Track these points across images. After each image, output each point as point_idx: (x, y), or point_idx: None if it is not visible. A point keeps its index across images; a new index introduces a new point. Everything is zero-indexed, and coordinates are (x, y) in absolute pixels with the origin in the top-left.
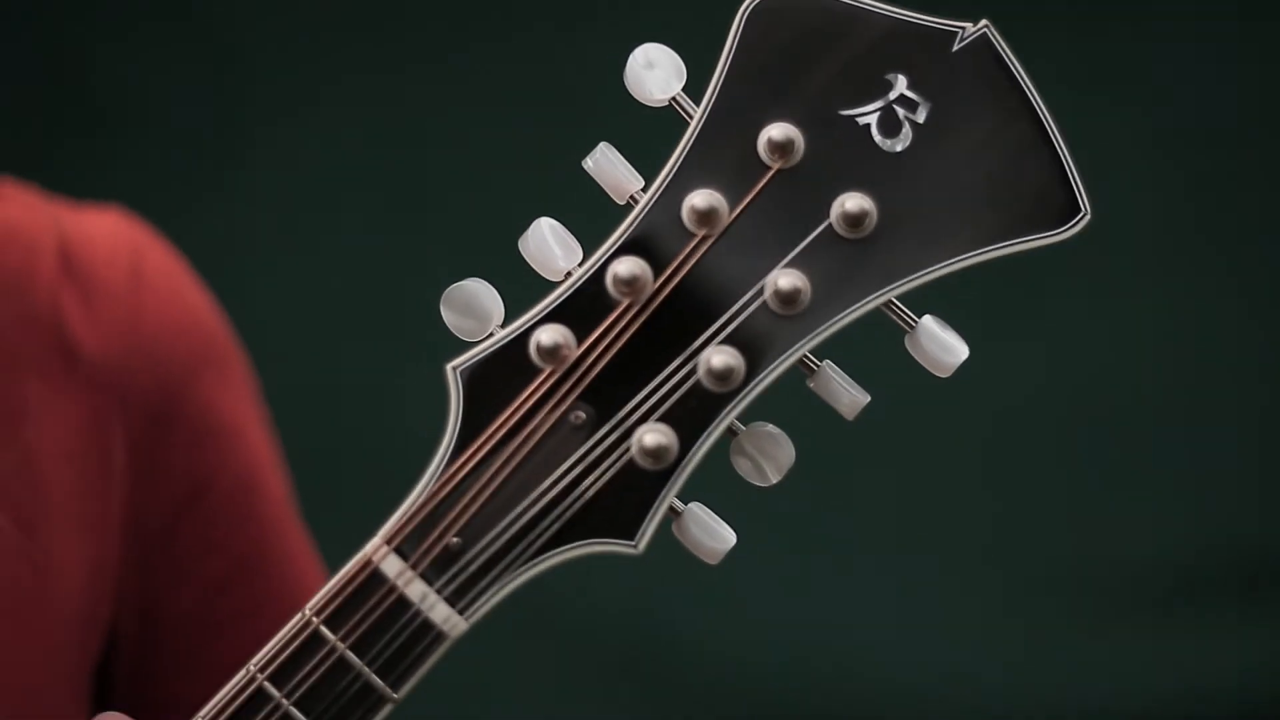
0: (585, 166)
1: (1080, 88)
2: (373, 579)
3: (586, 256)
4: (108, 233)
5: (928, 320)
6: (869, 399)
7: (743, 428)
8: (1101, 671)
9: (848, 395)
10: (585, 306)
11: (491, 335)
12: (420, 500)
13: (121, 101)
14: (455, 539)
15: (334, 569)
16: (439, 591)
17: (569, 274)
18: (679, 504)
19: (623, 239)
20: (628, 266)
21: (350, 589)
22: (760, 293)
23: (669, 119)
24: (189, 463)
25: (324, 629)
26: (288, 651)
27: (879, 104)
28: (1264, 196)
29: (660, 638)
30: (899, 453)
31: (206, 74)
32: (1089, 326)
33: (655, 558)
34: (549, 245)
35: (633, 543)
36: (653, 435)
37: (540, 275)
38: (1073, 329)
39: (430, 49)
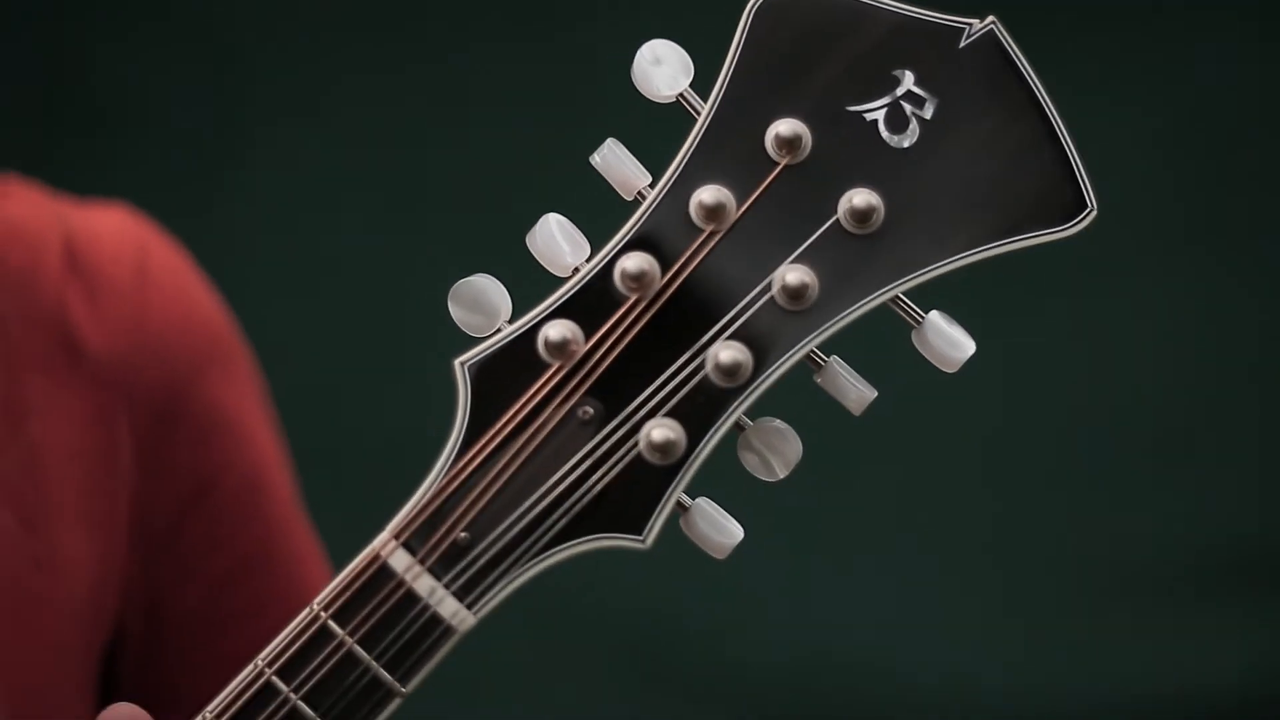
0: (593, 162)
1: (1081, 87)
2: (381, 573)
3: (594, 252)
4: (113, 230)
5: (934, 316)
6: (876, 394)
7: (750, 423)
8: (1102, 668)
9: (855, 391)
10: (593, 302)
11: (499, 330)
12: (428, 495)
13: (122, 101)
14: (463, 534)
15: (341, 565)
16: (447, 586)
17: (576, 270)
18: (687, 499)
19: (630, 234)
20: (635, 262)
21: (358, 583)
22: (768, 288)
23: (670, 117)
24: (194, 460)
25: (332, 623)
26: (296, 646)
27: (886, 100)
28: (1265, 196)
29: (665, 632)
30: (902, 448)
31: (206, 74)
32: (1090, 324)
33: (660, 552)
34: (557, 241)
35: (641, 538)
36: (661, 430)
37: (547, 271)
38: (1074, 326)
39: (430, 48)
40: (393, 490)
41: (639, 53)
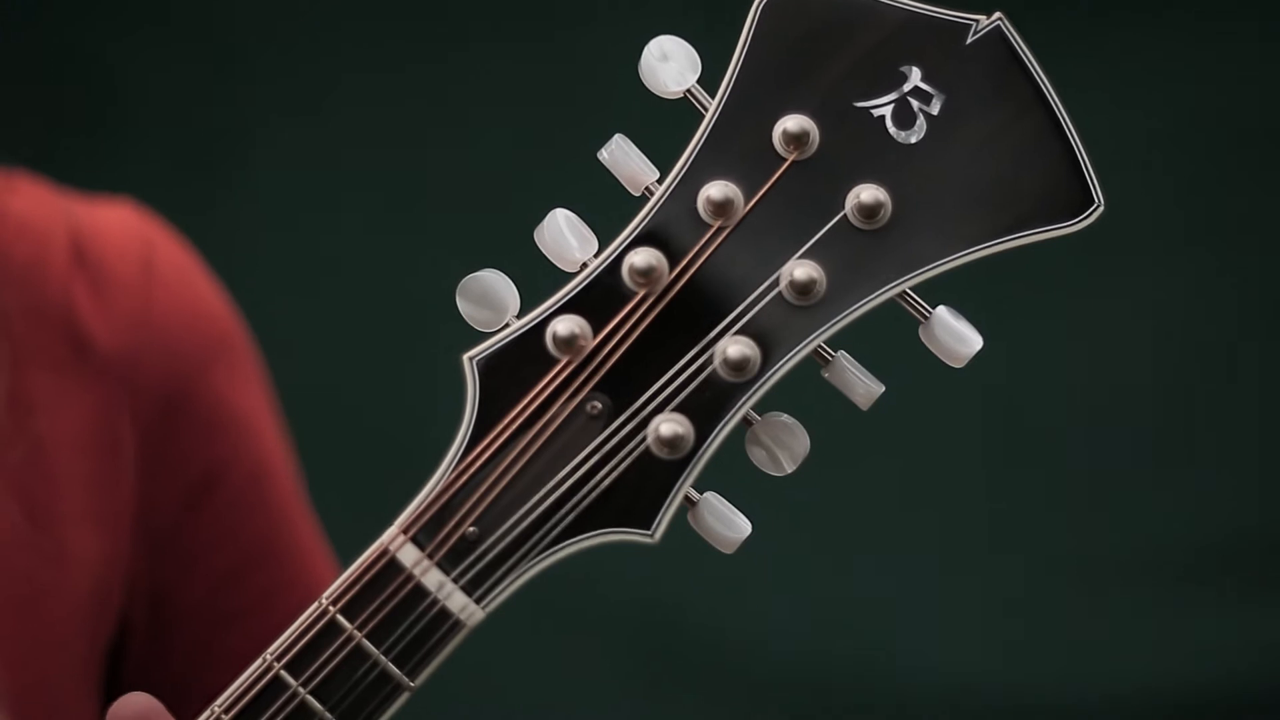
0: (601, 158)
1: (1083, 85)
2: (389, 568)
3: (602, 248)
4: (119, 226)
5: (942, 311)
6: (883, 389)
7: (758, 418)
8: (1103, 663)
9: (862, 385)
10: (601, 297)
11: (507, 325)
12: (437, 490)
13: (123, 101)
14: (472, 528)
15: (346, 560)
16: (456, 580)
17: (584, 265)
18: (694, 493)
19: (639, 230)
20: (644, 257)
21: (367, 578)
22: (776, 283)
23: (670, 117)
24: (200, 454)
25: (340, 617)
26: (304, 640)
27: (893, 96)
28: (1266, 194)
29: (667, 624)
30: (904, 444)
31: (208, 73)
32: (1090, 320)
33: (662, 544)
34: (565, 236)
35: (649, 532)
36: (669, 425)
37: (548, 268)
38: (1074, 322)
39: (431, 48)
40: (398, 486)
41: (646, 49)
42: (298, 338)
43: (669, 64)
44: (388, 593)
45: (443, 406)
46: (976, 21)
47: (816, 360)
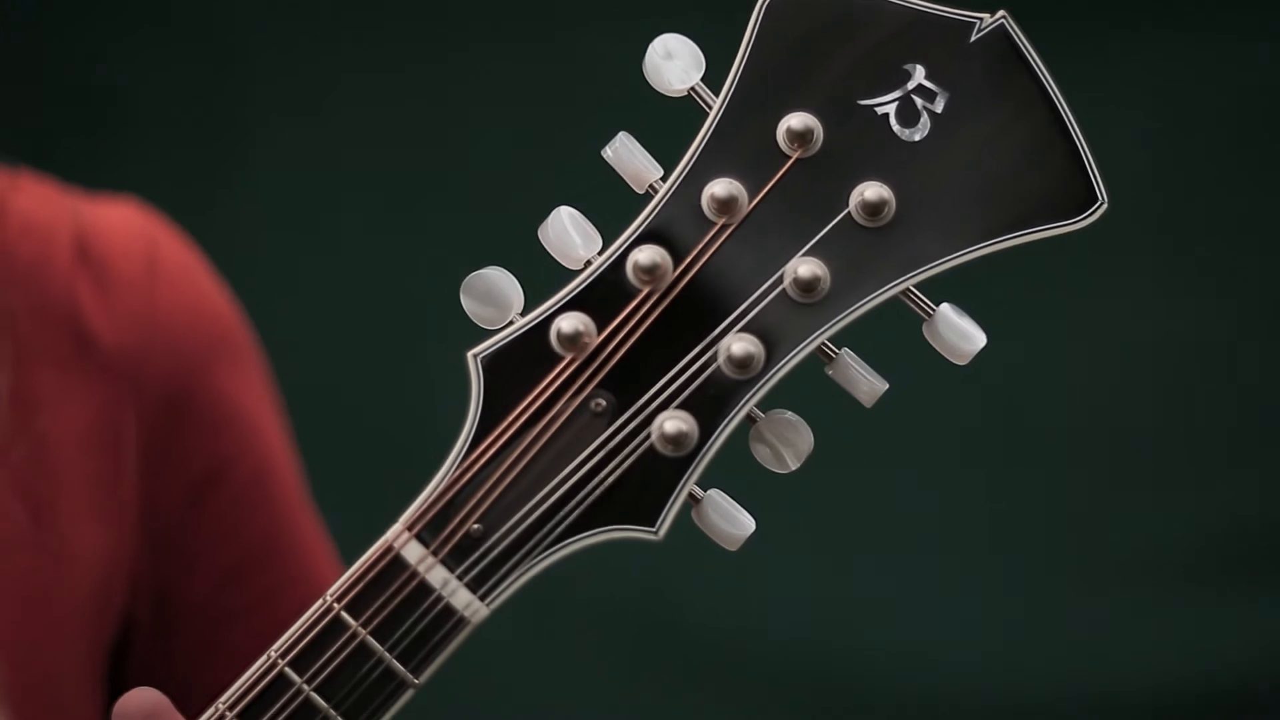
0: (605, 155)
1: (1085, 84)
2: (394, 565)
3: (606, 245)
4: (123, 224)
5: (945, 308)
6: (887, 386)
7: (762, 415)
8: (1107, 656)
9: (866, 383)
10: (606, 294)
11: (511, 323)
12: (441, 487)
13: (122, 101)
14: (476, 525)
15: (348, 558)
16: (460, 577)
17: (588, 262)
18: (698, 490)
19: (643, 227)
20: (648, 255)
21: (371, 575)
22: (780, 281)
23: (670, 116)
24: (203, 452)
25: (345, 615)
26: (309, 637)
27: (897, 94)
28: (1266, 194)
29: (669, 623)
30: (907, 440)
31: (207, 74)
32: (1094, 317)
33: (664, 543)
34: (569, 233)
35: (653, 529)
36: (673, 422)
37: (545, 267)
38: (1078, 319)
39: (431, 48)
40: (397, 485)
41: (651, 46)
42: (298, 337)
43: (673, 62)
44: (392, 590)
45: (442, 405)
46: (980, 20)
47: (820, 358)
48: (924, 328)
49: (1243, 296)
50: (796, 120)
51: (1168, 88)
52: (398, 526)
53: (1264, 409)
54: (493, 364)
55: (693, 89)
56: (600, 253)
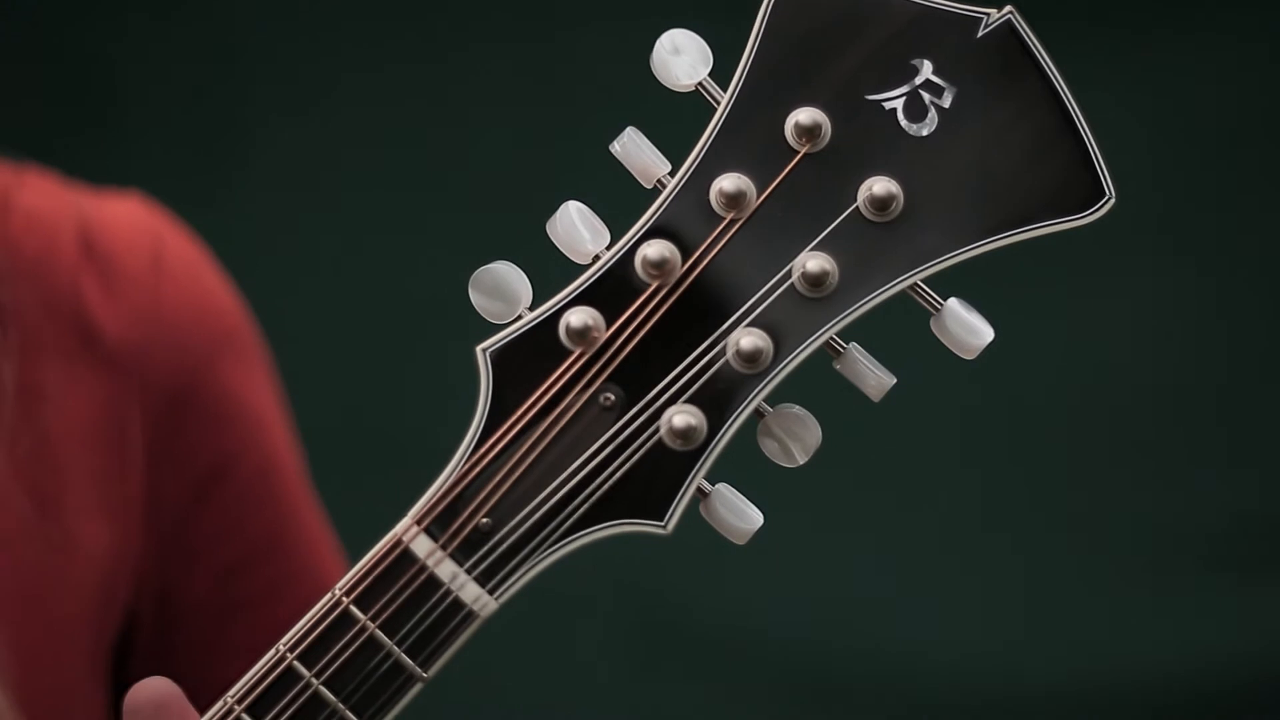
0: (613, 150)
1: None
2: (403, 559)
3: (614, 240)
4: (128, 219)
5: (953, 303)
6: (895, 381)
7: (770, 409)
8: (1108, 654)
9: (874, 377)
10: (614, 289)
11: (520, 317)
12: (450, 481)
13: (122, 101)
14: (485, 519)
15: (353, 553)
16: (469, 571)
17: (597, 257)
18: (707, 485)
19: (651, 222)
20: (657, 249)
21: (380, 568)
22: (788, 275)
23: (672, 113)
24: (208, 447)
25: (354, 608)
26: (317, 630)
27: (905, 89)
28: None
29: (670, 621)
30: (908, 437)
31: (207, 73)
32: (1093, 318)
33: (666, 540)
34: (577, 228)
35: (661, 523)
36: (682, 416)
37: (556, 262)
38: (1090, 310)
39: (431, 48)
40: (397, 483)
41: (658, 42)
42: (298, 337)
43: (681, 57)
44: (401, 584)
45: (441, 404)
46: (987, 15)
47: (828, 352)
48: (931, 322)
49: (1244, 296)
50: (804, 115)
51: (1168, 87)
52: (407, 520)
53: (1264, 408)
54: (501, 358)
55: (700, 84)
56: (608, 247)
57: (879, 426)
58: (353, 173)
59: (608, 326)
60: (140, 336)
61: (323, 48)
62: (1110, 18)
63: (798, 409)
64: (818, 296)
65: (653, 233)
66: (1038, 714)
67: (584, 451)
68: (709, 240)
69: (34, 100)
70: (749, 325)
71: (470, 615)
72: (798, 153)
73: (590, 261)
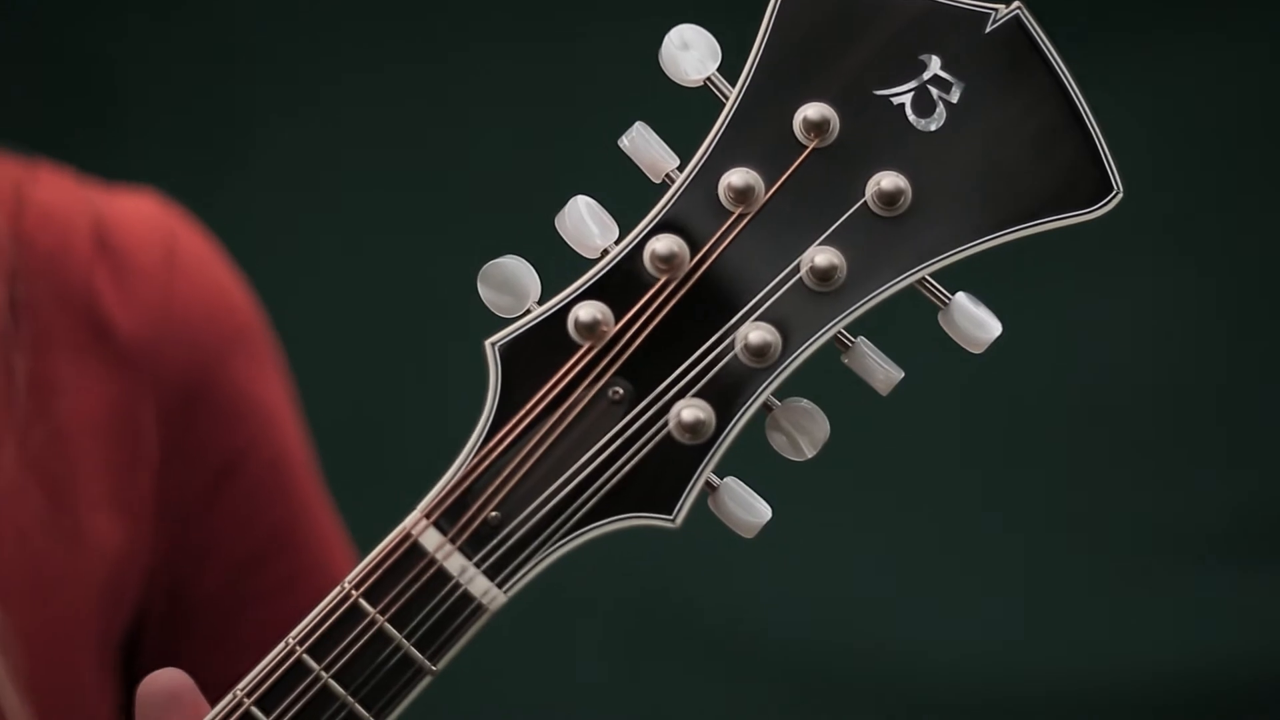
0: (621, 145)
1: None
2: (412, 552)
3: (622, 235)
4: (142, 215)
5: (961, 297)
6: (903, 375)
7: (778, 403)
8: (1108, 654)
9: (882, 371)
10: (623, 283)
11: (529, 312)
12: (459, 475)
13: (122, 101)
14: (494, 513)
15: (368, 547)
16: (478, 565)
17: (605, 251)
18: (715, 478)
19: (660, 216)
20: (665, 244)
21: (389, 562)
22: (796, 270)
23: (673, 112)
24: (220, 442)
25: (363, 601)
26: (327, 624)
27: (913, 84)
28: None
29: (670, 615)
30: (909, 434)
31: (207, 73)
32: (1093, 316)
33: (668, 536)
34: (586, 223)
35: (670, 517)
36: (690, 410)
37: (558, 257)
38: (1077, 317)
39: (431, 48)
40: (396, 482)
41: (667, 37)
42: (297, 337)
43: (689, 53)
44: (410, 577)
45: (442, 403)
46: (995, 10)
47: (836, 346)
48: (939, 316)
49: (1244, 296)
50: (813, 110)
51: (1168, 87)
52: (416, 514)
53: (1264, 408)
54: (510, 352)
55: (709, 79)
56: (617, 242)
57: (879, 426)
58: (353, 173)
59: (616, 321)
60: (153, 332)
61: (323, 48)
62: (1110, 18)
63: (806, 403)
64: (826, 291)
65: (661, 227)
66: (1038, 714)
67: (592, 445)
68: (717, 235)
69: (34, 100)
70: (757, 319)
71: (479, 608)
72: (806, 148)
73: (599, 256)
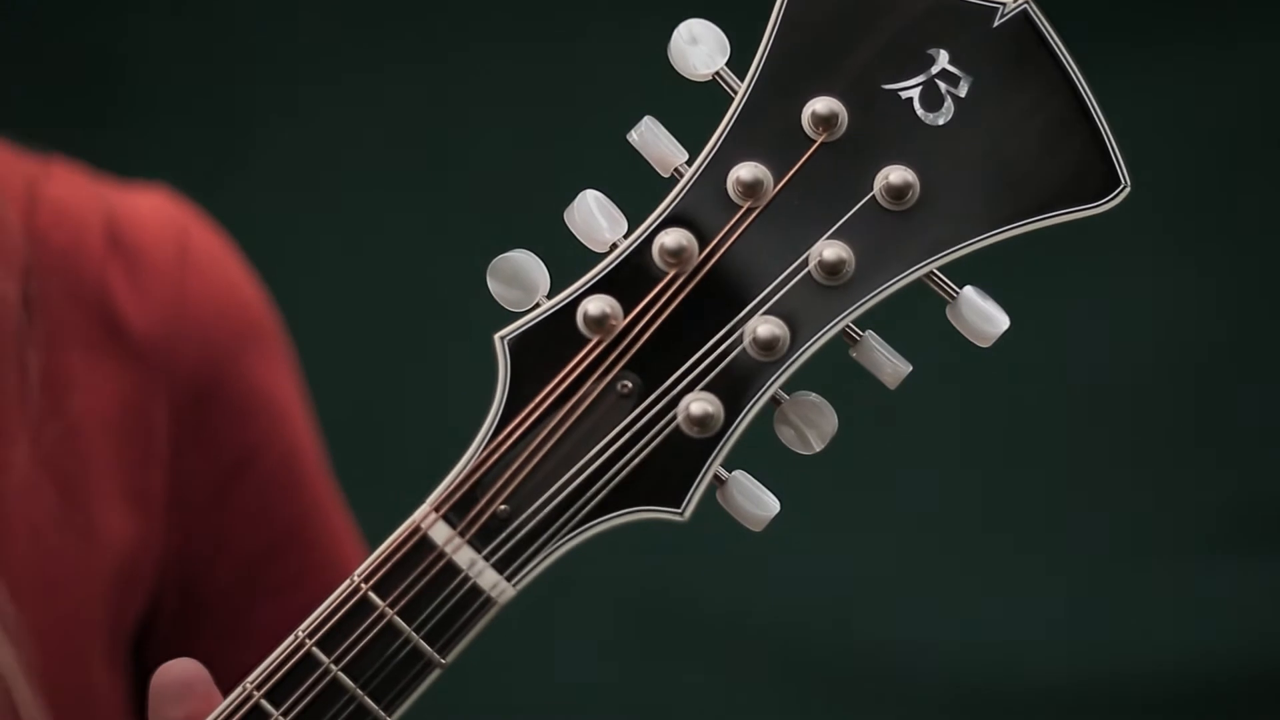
0: (630, 140)
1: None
2: (421, 545)
3: (631, 229)
4: (154, 212)
5: (969, 291)
6: (910, 368)
7: (786, 397)
8: (1108, 654)
9: (890, 365)
10: (632, 277)
11: (538, 305)
12: (468, 468)
13: (122, 101)
14: (503, 506)
15: (377, 541)
16: (487, 558)
17: (614, 245)
18: (723, 472)
19: (668, 211)
20: (674, 238)
21: (399, 555)
22: (805, 264)
23: (673, 111)
24: (232, 438)
25: (372, 595)
26: (336, 617)
27: (921, 78)
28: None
29: (672, 611)
30: (910, 432)
31: (207, 73)
32: (1093, 315)
33: (671, 532)
34: (595, 217)
35: (679, 510)
36: (699, 404)
37: (568, 251)
38: (1077, 316)
39: (431, 48)
40: (403, 479)
41: (676, 32)
42: (297, 337)
43: (698, 47)
44: (419, 570)
45: (442, 403)
46: (1003, 4)
47: (845, 340)
48: (947, 310)
49: (1244, 296)
50: (821, 104)
51: (1168, 87)
52: (425, 507)
53: (1264, 408)
54: (519, 346)
55: (717, 74)
56: (626, 236)
57: (879, 426)
58: (353, 173)
59: (625, 314)
60: (165, 329)
61: (323, 48)
62: (1111, 18)
63: (814, 396)
64: (834, 284)
65: (670, 221)
66: (1038, 714)
67: (601, 439)
68: (726, 229)
69: (34, 100)
70: (766, 313)
71: (488, 602)
72: (814, 142)
73: (608, 250)
